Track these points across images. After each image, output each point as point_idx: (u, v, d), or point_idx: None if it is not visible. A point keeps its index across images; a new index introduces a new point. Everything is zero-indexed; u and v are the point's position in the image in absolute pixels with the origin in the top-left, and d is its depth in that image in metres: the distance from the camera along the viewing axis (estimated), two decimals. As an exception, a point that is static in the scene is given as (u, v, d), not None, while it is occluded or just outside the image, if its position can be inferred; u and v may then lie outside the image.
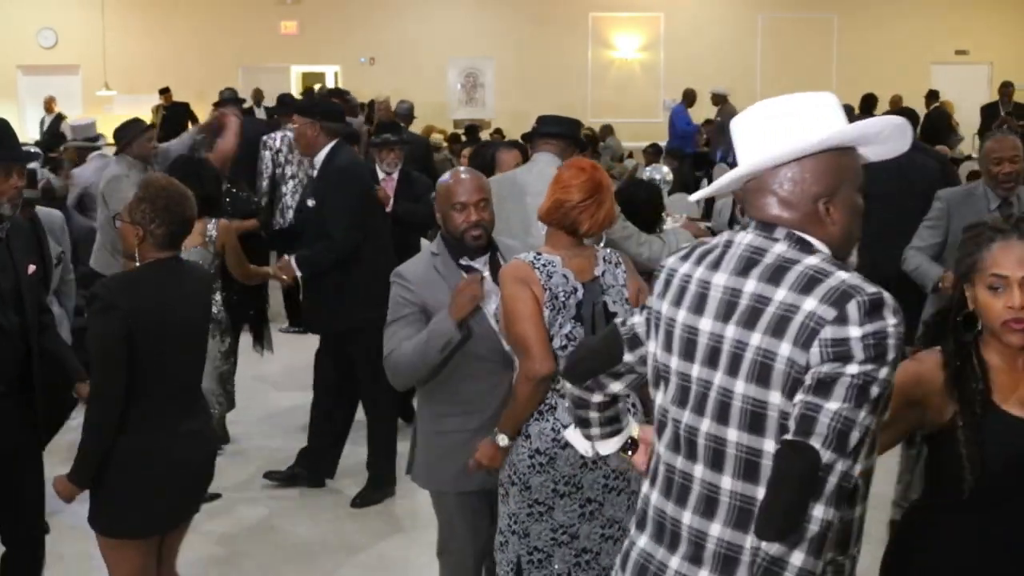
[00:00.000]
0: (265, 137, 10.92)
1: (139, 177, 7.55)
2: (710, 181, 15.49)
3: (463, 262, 4.37)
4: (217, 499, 6.55)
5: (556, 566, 4.01)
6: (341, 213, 6.52)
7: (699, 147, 18.55)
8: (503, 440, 4.05)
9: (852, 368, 2.29)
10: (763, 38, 22.70)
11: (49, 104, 19.38)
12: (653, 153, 15.77)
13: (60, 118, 19.17)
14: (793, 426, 2.32)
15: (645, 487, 2.72)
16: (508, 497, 4.05)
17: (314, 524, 6.48)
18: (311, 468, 6.92)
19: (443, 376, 4.32)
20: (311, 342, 7.20)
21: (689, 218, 11.21)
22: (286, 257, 6.72)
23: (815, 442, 2.28)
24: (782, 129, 2.50)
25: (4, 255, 4.48)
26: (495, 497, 4.30)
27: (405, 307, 4.31)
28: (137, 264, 4.15)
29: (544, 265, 3.96)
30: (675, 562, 2.54)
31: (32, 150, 10.30)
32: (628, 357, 2.82)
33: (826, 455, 2.27)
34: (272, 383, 9.18)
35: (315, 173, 6.72)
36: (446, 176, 4.53)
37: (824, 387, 2.30)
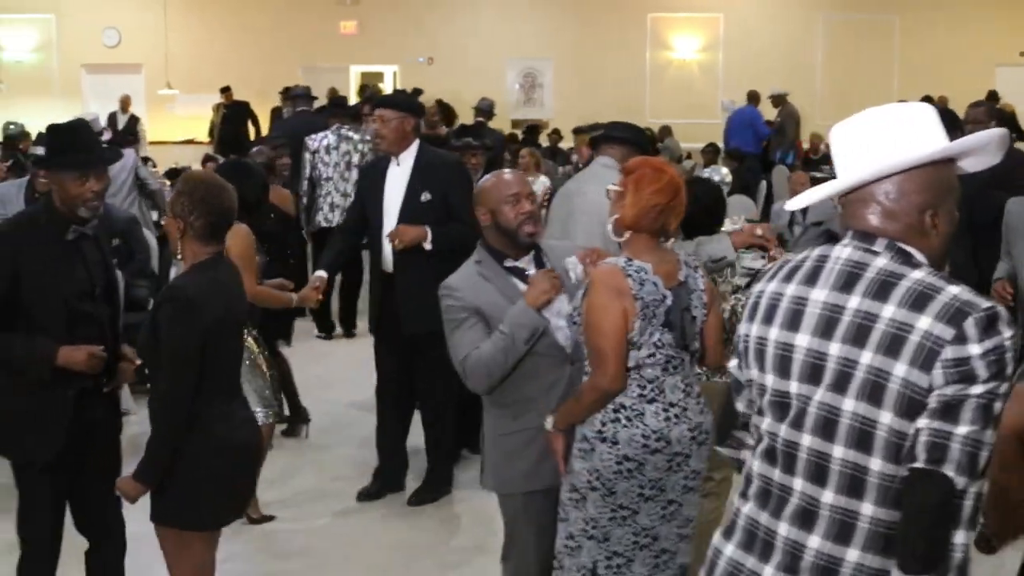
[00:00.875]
0: (306, 139, 10.95)
1: None
2: (769, 184, 15.44)
3: (508, 263, 4.41)
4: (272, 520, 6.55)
5: (636, 569, 4.02)
6: (469, 201, 6.47)
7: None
8: (548, 423, 4.11)
9: (977, 388, 2.28)
10: (824, 39, 22.51)
11: (125, 103, 19.53)
12: (712, 153, 15.68)
13: (134, 119, 19.33)
14: (922, 454, 2.30)
15: (736, 498, 2.71)
16: (585, 502, 4.02)
17: (369, 522, 6.53)
18: (388, 482, 6.93)
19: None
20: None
21: (748, 220, 11.17)
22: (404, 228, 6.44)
23: (948, 469, 2.27)
24: (886, 141, 2.49)
25: (95, 251, 4.61)
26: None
27: (461, 313, 4.31)
28: (179, 256, 4.21)
29: (636, 272, 3.92)
30: (769, 571, 2.54)
31: (121, 150, 10.56)
32: (739, 406, 2.82)
33: (960, 481, 2.27)
34: (322, 385, 9.21)
35: (409, 169, 6.48)
36: (487, 177, 4.59)
37: (952, 411, 2.29)
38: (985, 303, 2.33)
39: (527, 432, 4.31)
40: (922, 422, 2.31)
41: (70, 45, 22.43)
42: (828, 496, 2.44)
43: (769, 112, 19.44)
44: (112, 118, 19.03)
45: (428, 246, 6.31)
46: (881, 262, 2.45)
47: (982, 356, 2.28)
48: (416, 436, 6.99)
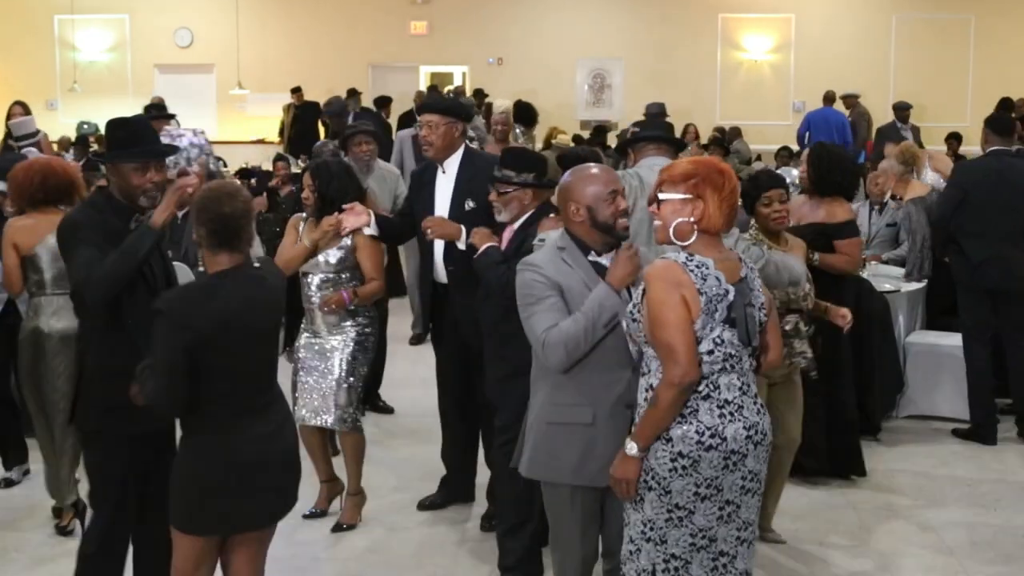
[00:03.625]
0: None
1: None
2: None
3: (591, 258, 4.41)
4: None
5: (694, 571, 3.99)
6: None
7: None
8: (632, 449, 4.00)
9: None
10: (897, 40, 22.21)
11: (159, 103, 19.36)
12: (786, 156, 15.61)
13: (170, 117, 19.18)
14: None
15: None
16: (643, 503, 4.00)
17: (434, 525, 6.51)
18: (454, 493, 6.78)
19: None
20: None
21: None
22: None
23: None
24: None
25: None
26: (606, 495, 4.28)
27: (545, 291, 4.31)
28: (201, 268, 4.25)
29: (698, 267, 3.90)
30: None
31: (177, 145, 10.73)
32: None
33: None
34: (389, 385, 9.20)
35: (454, 176, 6.31)
36: (576, 171, 4.52)
37: None
38: None
39: (581, 426, 4.32)
40: None
41: (143, 45, 22.66)
42: None
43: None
44: None
45: (461, 246, 6.03)
46: None
47: None
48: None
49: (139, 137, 4.71)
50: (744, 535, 4.05)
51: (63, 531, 6.29)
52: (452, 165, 6.34)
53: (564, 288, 4.32)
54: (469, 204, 6.24)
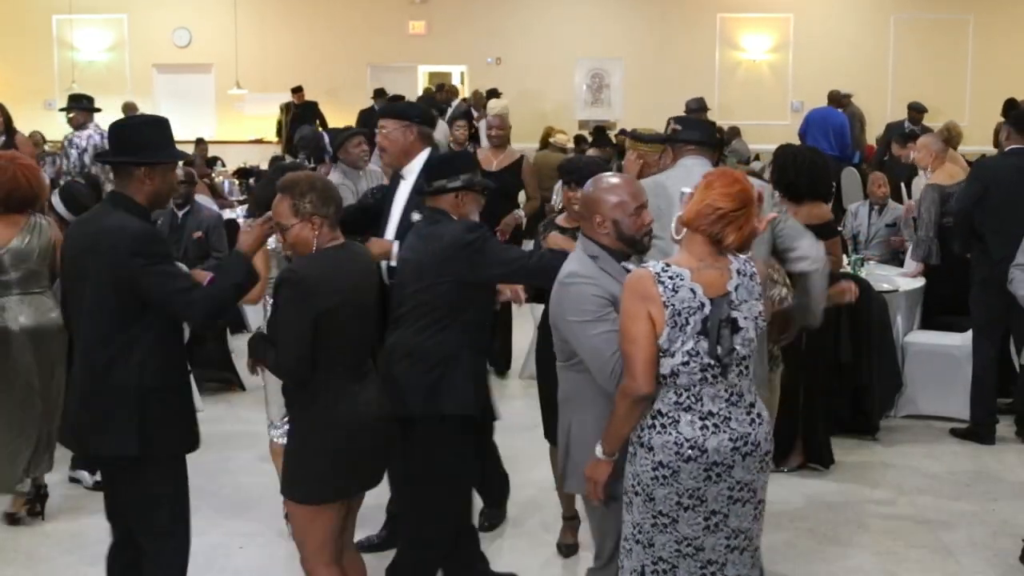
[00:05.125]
0: (72, 136, 11.58)
1: (354, 183, 7.57)
2: (839, 186, 15.27)
3: (623, 264, 4.37)
4: None
5: (680, 575, 3.98)
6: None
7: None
8: (599, 451, 4.07)
9: None
10: (895, 39, 22.21)
11: (130, 110, 19.08)
12: (783, 155, 15.50)
13: None
14: None
15: None
16: (632, 506, 4.02)
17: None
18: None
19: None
20: None
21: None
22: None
23: None
24: None
25: None
26: None
27: (605, 306, 4.18)
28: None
29: (671, 278, 3.87)
30: None
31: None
32: None
33: None
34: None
35: (411, 183, 5.82)
36: (607, 182, 4.45)
37: None
38: None
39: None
40: None
41: (142, 45, 22.64)
42: None
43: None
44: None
45: (393, 262, 5.52)
46: None
47: None
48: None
49: (168, 137, 4.59)
50: (735, 543, 4.00)
51: (14, 520, 6.40)
52: (412, 172, 5.87)
53: (617, 298, 4.16)
54: (415, 216, 5.59)
